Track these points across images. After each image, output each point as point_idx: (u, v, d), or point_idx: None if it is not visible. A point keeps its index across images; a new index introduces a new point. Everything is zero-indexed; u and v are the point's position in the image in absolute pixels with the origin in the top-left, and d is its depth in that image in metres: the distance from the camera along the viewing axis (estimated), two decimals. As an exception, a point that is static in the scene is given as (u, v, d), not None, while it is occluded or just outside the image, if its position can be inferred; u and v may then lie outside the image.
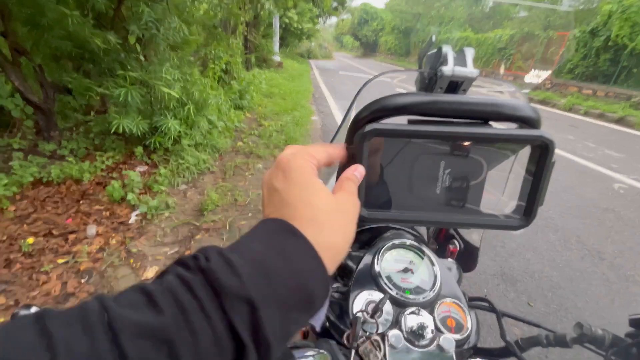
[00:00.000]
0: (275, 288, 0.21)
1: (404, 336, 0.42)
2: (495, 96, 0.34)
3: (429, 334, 0.42)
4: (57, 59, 2.61)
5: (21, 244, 1.72)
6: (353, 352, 0.38)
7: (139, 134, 2.51)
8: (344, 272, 0.58)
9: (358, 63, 23.01)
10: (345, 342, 0.40)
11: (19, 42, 2.29)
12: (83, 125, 3.14)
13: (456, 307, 0.47)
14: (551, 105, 9.32)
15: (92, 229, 1.94)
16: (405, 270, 0.51)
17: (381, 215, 0.34)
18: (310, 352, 0.40)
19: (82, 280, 1.63)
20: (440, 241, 0.72)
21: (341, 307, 0.50)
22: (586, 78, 10.20)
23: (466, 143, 0.32)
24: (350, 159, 0.32)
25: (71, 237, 1.87)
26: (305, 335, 0.67)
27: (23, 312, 0.30)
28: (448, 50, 0.35)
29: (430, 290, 0.48)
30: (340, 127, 0.55)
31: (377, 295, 0.47)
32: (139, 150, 2.75)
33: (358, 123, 0.33)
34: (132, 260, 1.81)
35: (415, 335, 0.42)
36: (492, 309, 0.55)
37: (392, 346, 0.40)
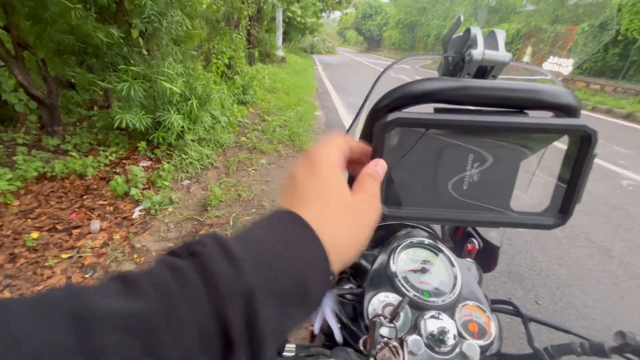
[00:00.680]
0: (274, 276, 0.19)
1: (424, 342, 0.39)
2: (529, 82, 0.31)
3: (450, 340, 0.39)
4: (60, 54, 2.59)
5: (25, 239, 1.72)
6: (371, 359, 0.36)
7: (142, 129, 2.50)
8: (357, 272, 0.55)
9: (362, 58, 22.81)
10: (362, 348, 0.38)
11: (21, 36, 2.28)
12: (86, 120, 3.14)
13: (478, 311, 0.44)
14: (558, 100, 9.18)
15: (95, 224, 1.94)
16: (423, 270, 0.49)
17: (403, 213, 0.32)
18: None
19: (86, 275, 1.63)
20: (457, 239, 0.69)
21: (355, 309, 0.48)
22: (594, 73, 10.02)
23: (499, 134, 0.29)
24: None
25: (75, 232, 1.87)
26: (312, 337, 0.65)
27: None
28: (477, 32, 0.32)
29: (451, 292, 0.46)
30: (353, 122, 0.52)
31: (393, 297, 0.45)
32: (142, 145, 2.74)
33: (378, 112, 0.30)
34: (135, 255, 1.81)
35: (435, 341, 0.39)
36: (517, 313, 0.52)
37: (411, 353, 0.37)
